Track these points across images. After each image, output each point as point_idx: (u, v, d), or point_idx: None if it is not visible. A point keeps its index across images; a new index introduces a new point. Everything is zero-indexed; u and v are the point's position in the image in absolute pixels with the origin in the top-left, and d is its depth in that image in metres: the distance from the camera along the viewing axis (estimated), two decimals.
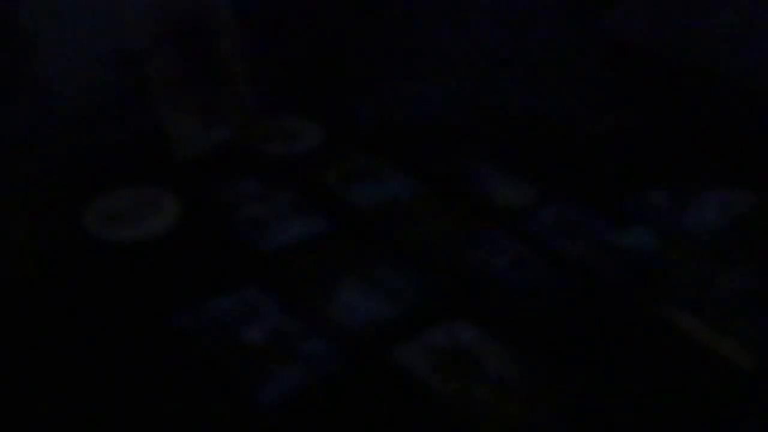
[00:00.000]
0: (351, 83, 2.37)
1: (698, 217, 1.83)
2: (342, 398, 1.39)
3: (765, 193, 1.90)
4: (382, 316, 1.56)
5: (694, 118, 2.20)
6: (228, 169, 2.04)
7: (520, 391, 1.40)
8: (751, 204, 1.87)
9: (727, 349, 1.49)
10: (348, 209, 1.90)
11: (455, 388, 1.40)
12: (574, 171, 2.02)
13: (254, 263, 1.72)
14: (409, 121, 2.22)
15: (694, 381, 1.43)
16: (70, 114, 2.03)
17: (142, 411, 1.36)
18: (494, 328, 1.53)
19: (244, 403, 1.38)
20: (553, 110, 2.25)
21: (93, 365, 1.45)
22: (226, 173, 2.02)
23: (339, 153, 2.11)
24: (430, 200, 1.93)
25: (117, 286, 1.65)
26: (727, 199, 1.88)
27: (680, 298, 1.60)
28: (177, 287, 1.64)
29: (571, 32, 2.38)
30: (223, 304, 1.59)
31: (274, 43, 2.37)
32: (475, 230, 1.82)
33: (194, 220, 1.85)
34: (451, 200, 1.93)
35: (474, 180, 1.99)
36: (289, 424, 1.35)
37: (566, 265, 1.70)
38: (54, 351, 1.49)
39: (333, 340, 1.51)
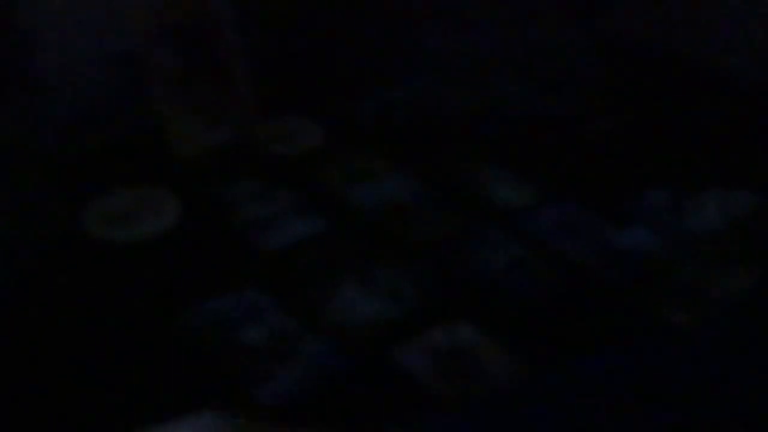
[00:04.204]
0: (351, 83, 2.37)
1: (698, 217, 1.83)
2: (342, 398, 1.39)
3: (765, 193, 1.90)
4: (382, 316, 1.56)
5: (694, 118, 2.19)
6: (228, 169, 2.04)
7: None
8: (751, 204, 1.87)
9: None
10: (348, 209, 1.90)
11: (455, 388, 1.40)
12: (574, 171, 2.02)
13: (254, 263, 1.72)
14: (409, 121, 2.22)
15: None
16: (69, 114, 2.03)
17: (141, 411, 1.36)
18: (494, 328, 1.53)
19: (244, 403, 1.38)
20: (553, 110, 2.25)
21: (92, 365, 1.45)
22: (226, 173, 2.02)
23: (339, 153, 2.11)
24: (430, 200, 1.93)
25: (116, 286, 1.65)
26: (727, 199, 1.88)
27: (680, 298, 1.60)
28: (177, 287, 1.64)
29: (571, 32, 2.38)
30: (223, 304, 1.59)
31: (274, 42, 2.37)
32: (475, 230, 1.82)
33: (194, 220, 1.85)
34: (450, 200, 1.93)
35: (474, 180, 1.99)
36: (289, 424, 1.35)
37: (566, 265, 1.70)
38: (52, 351, 1.49)
39: (333, 340, 1.51)
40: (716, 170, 1.99)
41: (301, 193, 1.95)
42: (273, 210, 1.88)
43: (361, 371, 1.45)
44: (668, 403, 0.92)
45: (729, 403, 0.89)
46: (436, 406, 1.37)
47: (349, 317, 1.56)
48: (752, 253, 1.72)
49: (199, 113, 2.05)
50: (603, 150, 2.10)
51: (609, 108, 2.26)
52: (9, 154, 1.93)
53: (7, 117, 1.92)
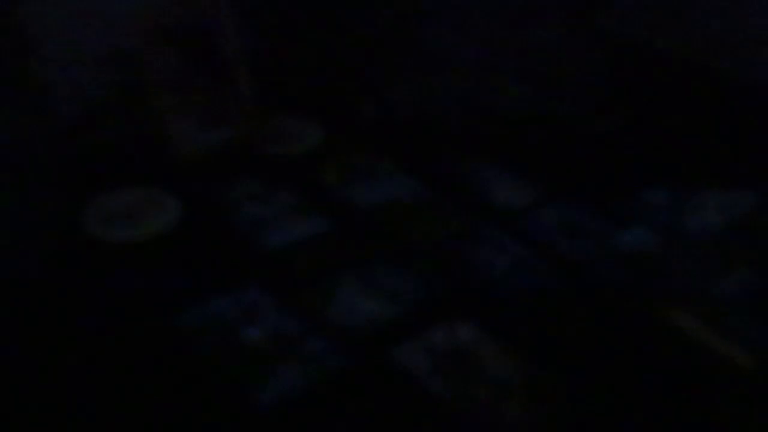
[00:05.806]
0: (351, 83, 2.37)
1: (698, 217, 1.83)
2: (342, 398, 1.39)
3: (765, 193, 1.90)
4: (382, 316, 1.56)
5: (694, 118, 2.20)
6: (228, 169, 2.04)
7: (519, 391, 1.40)
8: (751, 204, 1.87)
9: (726, 349, 1.49)
10: (348, 209, 1.90)
11: (455, 389, 1.40)
12: (574, 171, 2.02)
13: (254, 263, 1.72)
14: (409, 121, 2.22)
15: (693, 381, 1.43)
16: (69, 114, 2.03)
17: (142, 411, 1.36)
18: (494, 328, 1.53)
19: (244, 404, 1.38)
20: (553, 110, 2.25)
21: (92, 365, 1.45)
22: (226, 173, 2.02)
23: (339, 153, 2.11)
24: (430, 200, 1.93)
25: (117, 286, 1.65)
26: (727, 199, 1.88)
27: (680, 298, 1.60)
28: (177, 287, 1.64)
29: (571, 32, 2.39)
30: (223, 304, 1.59)
31: (274, 43, 2.37)
32: (475, 230, 1.82)
33: (194, 220, 1.85)
34: (451, 200, 1.93)
35: (474, 180, 1.99)
36: (289, 424, 1.35)
37: (566, 265, 1.70)
38: (53, 351, 1.49)
39: (333, 340, 1.51)
40: (716, 170, 1.99)
41: (301, 193, 1.95)
42: (273, 210, 1.88)
43: (361, 371, 1.45)
44: None
45: None
46: (435, 406, 1.37)
47: (349, 317, 1.56)
48: (752, 252, 1.72)
49: (199, 113, 2.06)
50: (603, 150, 2.10)
51: (609, 107, 2.26)
52: (9, 154, 1.93)
53: (8, 117, 1.92)
